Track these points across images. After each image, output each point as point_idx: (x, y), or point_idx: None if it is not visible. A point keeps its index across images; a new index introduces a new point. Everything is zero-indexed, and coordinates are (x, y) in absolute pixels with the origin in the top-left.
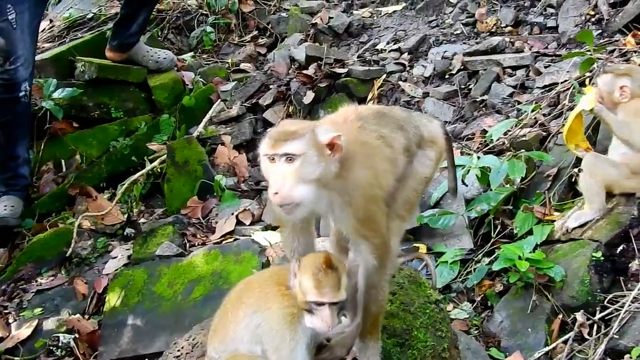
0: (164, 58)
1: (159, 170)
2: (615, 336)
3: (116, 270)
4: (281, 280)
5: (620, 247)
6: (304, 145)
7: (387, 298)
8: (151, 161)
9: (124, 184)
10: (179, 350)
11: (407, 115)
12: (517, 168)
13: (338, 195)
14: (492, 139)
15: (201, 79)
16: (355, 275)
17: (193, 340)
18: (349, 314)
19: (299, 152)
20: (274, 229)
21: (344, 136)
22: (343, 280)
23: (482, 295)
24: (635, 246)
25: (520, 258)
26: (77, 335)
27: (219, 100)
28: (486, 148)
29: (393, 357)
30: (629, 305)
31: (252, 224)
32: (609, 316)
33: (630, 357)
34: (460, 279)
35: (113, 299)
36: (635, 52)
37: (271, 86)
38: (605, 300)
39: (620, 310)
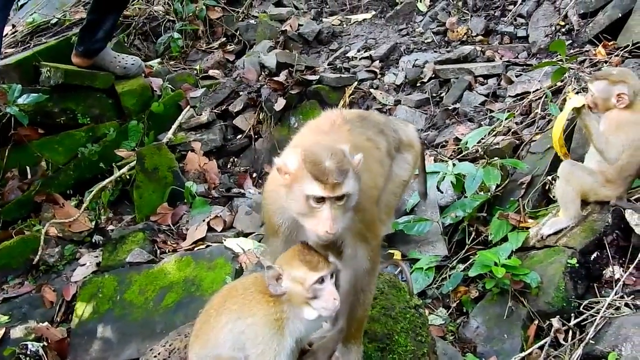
0: (132, 64)
1: (127, 176)
2: (591, 342)
3: (85, 277)
4: (264, 287)
5: (595, 254)
6: (352, 182)
7: (371, 302)
8: (120, 168)
9: (91, 191)
10: (155, 357)
11: (386, 119)
12: (493, 175)
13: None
14: (466, 147)
15: (170, 85)
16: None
17: (170, 346)
18: (330, 319)
19: (352, 192)
20: (246, 235)
21: (337, 141)
22: (327, 255)
23: (457, 302)
24: (609, 253)
25: (496, 264)
26: (45, 344)
27: (188, 106)
28: (460, 155)
29: None
30: (604, 311)
31: (223, 230)
32: (584, 322)
33: None
34: (436, 285)
35: (82, 307)
36: (605, 62)
37: (241, 93)
38: (581, 307)
39: (596, 316)
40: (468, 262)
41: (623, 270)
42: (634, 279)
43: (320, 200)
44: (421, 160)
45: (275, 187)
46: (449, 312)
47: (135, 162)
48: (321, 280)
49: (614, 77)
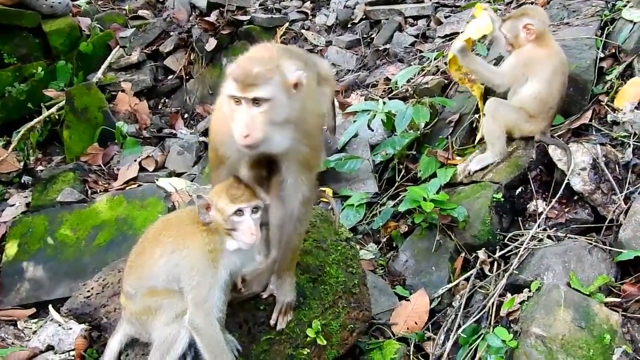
0: (59, 3)
1: (56, 117)
2: (515, 272)
3: (14, 217)
4: (198, 219)
5: (519, 189)
6: (273, 88)
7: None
8: (48, 108)
9: (19, 131)
10: (88, 291)
11: (305, 53)
12: (422, 113)
13: (295, 128)
14: (396, 86)
15: (98, 25)
16: (267, 213)
17: (103, 280)
18: (263, 252)
19: (268, 97)
20: (178, 175)
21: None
22: (258, 191)
23: (387, 237)
24: (533, 188)
25: (425, 199)
26: None
27: (118, 46)
28: (390, 95)
29: (306, 292)
30: (528, 243)
31: (155, 170)
32: (509, 254)
33: (530, 291)
34: (366, 222)
35: (12, 247)
36: (532, 3)
37: (172, 33)
38: (505, 239)
39: (520, 247)
40: (398, 199)
41: (546, 204)
42: (556, 212)
43: (237, 101)
44: (332, 95)
45: (221, 115)
46: (379, 247)
47: (64, 102)
48: (240, 213)
49: (517, 13)
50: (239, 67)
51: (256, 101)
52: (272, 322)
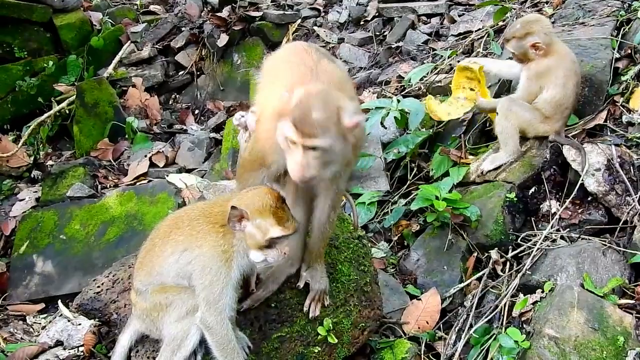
0: None
1: (67, 111)
2: (527, 272)
3: (24, 212)
4: (212, 218)
5: (533, 189)
6: (331, 139)
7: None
8: (59, 102)
9: (29, 126)
10: (98, 287)
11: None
12: None
13: (342, 158)
14: (409, 83)
15: (110, 20)
16: None
17: (113, 276)
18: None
19: (326, 147)
20: (189, 171)
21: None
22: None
23: (399, 235)
24: (546, 188)
25: (437, 198)
26: None
27: (129, 41)
28: (403, 93)
29: None
30: (541, 243)
31: (165, 166)
32: (522, 254)
33: (542, 291)
34: (378, 220)
35: (22, 241)
36: (547, 2)
37: (183, 29)
38: (518, 239)
39: (533, 248)
40: (410, 197)
41: (559, 205)
42: (570, 212)
43: (293, 143)
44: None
45: (273, 123)
46: (391, 245)
47: (74, 97)
48: (282, 238)
49: (519, 33)
50: (299, 109)
51: (312, 148)
52: (305, 309)
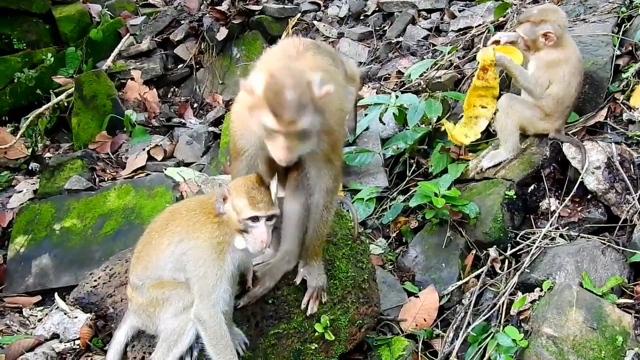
0: None
1: (65, 104)
2: (526, 270)
3: (21, 204)
4: (209, 210)
5: (532, 187)
6: (310, 117)
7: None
8: (57, 94)
9: (28, 118)
10: (95, 281)
11: (334, 50)
12: (435, 107)
13: (320, 128)
14: (409, 79)
15: (109, 12)
16: (280, 206)
17: (110, 270)
18: (273, 245)
19: (307, 127)
20: (187, 165)
21: (307, 66)
22: (274, 197)
23: (397, 232)
24: (546, 186)
25: (436, 195)
26: None
27: (128, 34)
28: (402, 88)
29: None
30: (540, 241)
31: (164, 159)
32: (520, 252)
33: (541, 290)
34: (376, 216)
35: (19, 234)
36: None
37: (182, 22)
38: (517, 237)
39: (532, 246)
40: (408, 194)
41: (559, 203)
42: (569, 210)
43: (275, 132)
44: (356, 95)
45: (242, 109)
46: (389, 242)
47: (73, 89)
48: (256, 219)
49: (534, 18)
50: (271, 92)
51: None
52: (302, 306)
